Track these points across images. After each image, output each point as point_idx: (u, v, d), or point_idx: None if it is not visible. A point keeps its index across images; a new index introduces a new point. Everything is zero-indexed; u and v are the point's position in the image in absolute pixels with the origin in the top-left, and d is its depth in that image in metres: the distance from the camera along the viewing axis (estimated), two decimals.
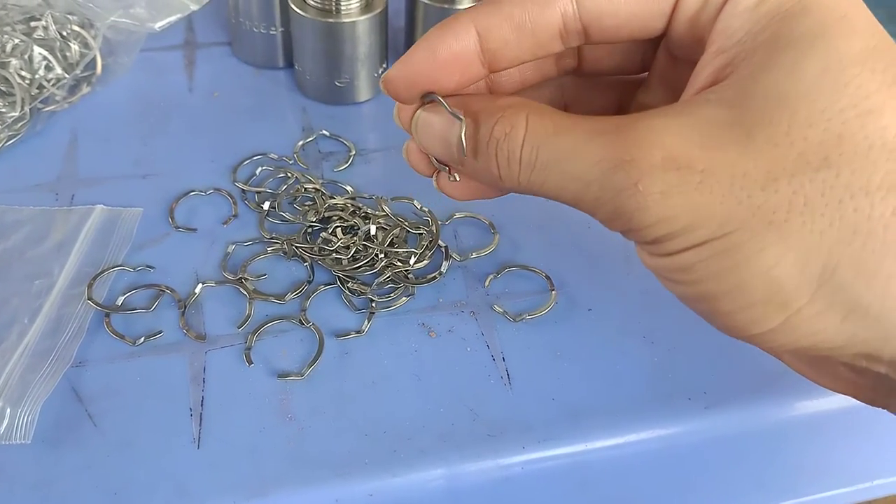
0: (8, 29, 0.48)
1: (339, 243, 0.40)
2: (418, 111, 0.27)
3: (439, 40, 0.26)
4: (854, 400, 0.27)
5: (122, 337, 0.36)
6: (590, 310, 0.39)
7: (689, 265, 0.22)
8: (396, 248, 0.40)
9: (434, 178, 0.29)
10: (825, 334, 0.22)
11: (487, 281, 0.40)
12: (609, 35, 0.26)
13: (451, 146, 0.26)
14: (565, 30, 0.25)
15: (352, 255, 0.39)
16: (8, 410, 0.33)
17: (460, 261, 0.41)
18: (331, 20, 0.47)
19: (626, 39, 0.26)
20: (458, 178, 0.28)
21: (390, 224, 0.41)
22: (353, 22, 0.47)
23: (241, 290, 0.38)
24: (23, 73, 0.47)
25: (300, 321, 0.37)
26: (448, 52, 0.25)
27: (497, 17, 0.25)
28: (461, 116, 0.26)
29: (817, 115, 0.21)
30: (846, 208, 0.21)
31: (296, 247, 0.40)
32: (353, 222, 0.41)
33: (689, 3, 0.25)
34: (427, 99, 0.27)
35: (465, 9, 0.26)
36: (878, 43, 0.22)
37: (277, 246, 0.41)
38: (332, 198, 0.43)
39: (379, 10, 0.48)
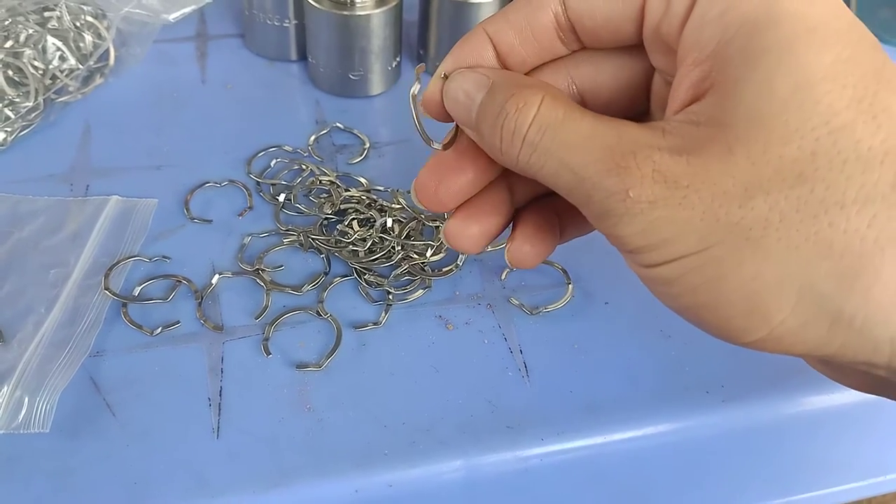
0: (22, 19, 0.48)
1: (355, 235, 0.40)
2: (453, 73, 0.27)
3: (462, 53, 0.27)
4: (872, 396, 0.27)
5: (139, 327, 0.36)
6: (606, 303, 0.39)
7: (670, 278, 0.23)
8: (413, 240, 0.40)
9: (506, 256, 0.29)
10: (813, 343, 0.22)
11: (504, 274, 0.40)
12: (592, 36, 0.27)
13: (472, 109, 0.26)
14: (560, 30, 0.27)
15: (368, 248, 0.39)
16: (26, 399, 0.33)
17: (476, 254, 0.41)
18: (345, 13, 0.47)
19: (608, 44, 0.27)
20: (441, 149, 0.28)
21: (406, 217, 0.41)
22: (368, 15, 0.47)
23: (258, 281, 0.38)
24: (36, 63, 0.47)
25: (317, 312, 0.37)
26: (473, 63, 0.27)
27: (501, 22, 0.27)
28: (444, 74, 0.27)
29: (791, 133, 0.21)
30: (821, 223, 0.21)
31: (312, 239, 0.40)
32: (369, 215, 0.41)
33: (653, 10, 0.25)
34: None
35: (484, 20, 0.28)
36: (851, 54, 0.22)
37: (293, 238, 0.41)
38: (347, 190, 0.43)
39: (393, 3, 0.48)
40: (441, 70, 0.27)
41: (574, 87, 0.28)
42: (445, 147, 0.28)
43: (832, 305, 0.21)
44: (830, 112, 0.21)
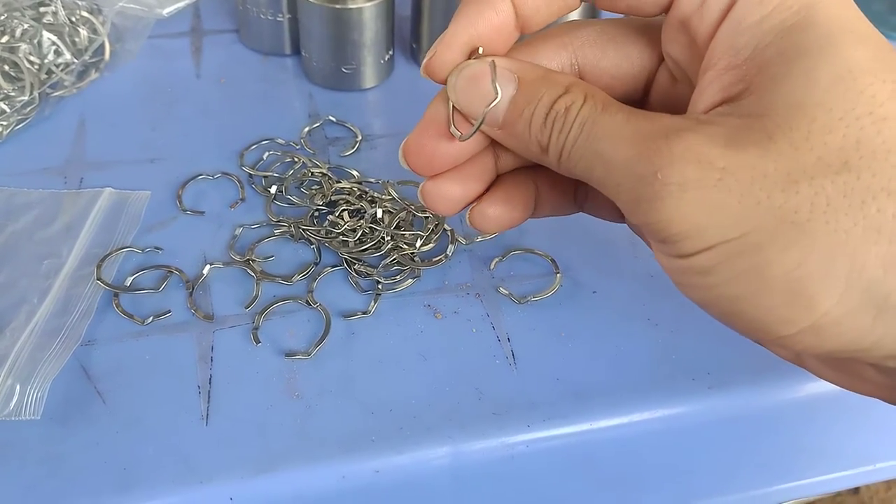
0: (17, 14, 0.48)
1: (345, 226, 0.40)
2: (464, 63, 0.26)
3: (478, 14, 0.26)
4: None
5: (130, 316, 0.37)
6: (594, 292, 0.39)
7: (706, 268, 0.22)
8: (403, 231, 0.40)
9: (467, 214, 0.29)
10: (854, 335, 0.22)
11: (493, 264, 0.40)
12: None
13: (499, 109, 0.26)
14: None
15: (358, 238, 0.40)
16: (17, 387, 0.33)
17: (466, 244, 0.41)
18: (338, 7, 0.47)
19: (623, 10, 0.27)
20: (461, 137, 0.27)
21: (396, 207, 0.41)
22: (360, 8, 0.47)
23: (249, 271, 0.39)
24: (32, 57, 0.48)
25: (307, 302, 0.37)
26: (489, 26, 0.26)
27: None
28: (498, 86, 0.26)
29: (835, 122, 0.21)
30: (869, 209, 0.21)
31: (303, 229, 0.40)
32: (359, 206, 0.41)
33: (685, 2, 0.25)
34: (474, 57, 0.26)
35: None
36: (884, 55, 0.22)
37: (285, 229, 0.41)
38: (338, 182, 0.43)
39: None
40: (454, 35, 0.26)
41: (576, 67, 0.28)
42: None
43: (880, 292, 0.21)
44: (874, 102, 0.21)
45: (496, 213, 0.29)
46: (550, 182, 0.29)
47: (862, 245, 0.21)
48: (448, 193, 0.28)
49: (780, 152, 0.21)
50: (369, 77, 0.51)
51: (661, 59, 0.28)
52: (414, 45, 0.54)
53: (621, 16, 0.28)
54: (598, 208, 0.31)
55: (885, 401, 0.27)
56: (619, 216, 0.31)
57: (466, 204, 0.29)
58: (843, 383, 0.27)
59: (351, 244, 0.40)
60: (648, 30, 0.28)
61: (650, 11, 0.26)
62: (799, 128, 0.21)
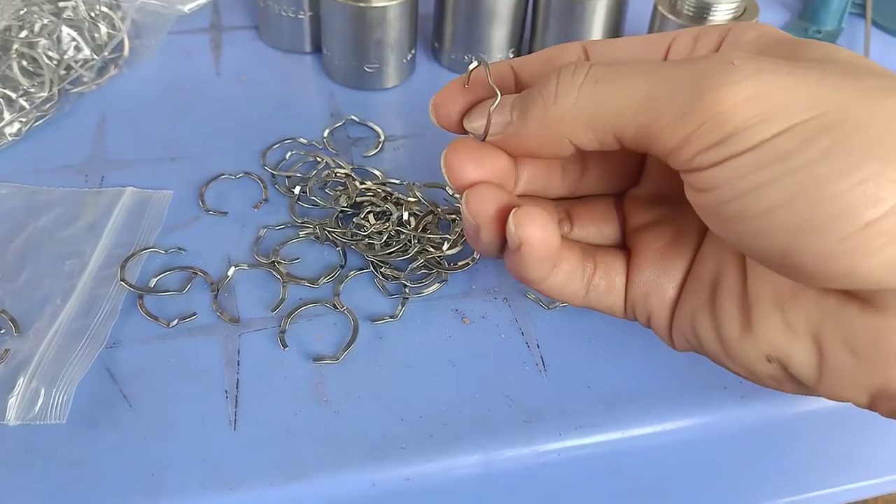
0: (37, 9, 0.48)
1: (371, 228, 0.40)
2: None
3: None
4: None
5: (155, 318, 0.36)
6: None
7: (786, 151, 0.21)
8: (429, 233, 0.40)
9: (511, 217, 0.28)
10: None
11: None
12: None
13: (506, 107, 0.27)
14: None
15: (384, 241, 0.39)
16: (42, 390, 0.33)
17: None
18: (361, 5, 0.47)
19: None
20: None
21: (422, 210, 0.41)
22: (384, 7, 0.47)
23: (275, 273, 0.38)
24: (51, 53, 0.47)
25: (334, 305, 0.37)
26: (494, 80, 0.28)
27: (530, 59, 0.30)
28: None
29: (866, 67, 0.24)
30: None
31: (328, 231, 0.40)
32: (385, 207, 0.41)
33: (678, 52, 0.28)
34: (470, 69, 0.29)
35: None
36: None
37: (309, 230, 0.40)
38: (363, 183, 0.43)
39: None
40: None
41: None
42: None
43: None
44: (890, 88, 0.22)
45: (539, 224, 0.27)
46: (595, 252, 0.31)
47: None
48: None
49: (836, 64, 0.23)
50: (391, 76, 0.50)
51: None
52: (436, 45, 0.53)
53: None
54: (647, 301, 0.31)
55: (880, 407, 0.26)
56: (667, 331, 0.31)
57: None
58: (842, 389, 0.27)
59: (377, 247, 0.39)
60: None
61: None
62: (842, 60, 0.24)
